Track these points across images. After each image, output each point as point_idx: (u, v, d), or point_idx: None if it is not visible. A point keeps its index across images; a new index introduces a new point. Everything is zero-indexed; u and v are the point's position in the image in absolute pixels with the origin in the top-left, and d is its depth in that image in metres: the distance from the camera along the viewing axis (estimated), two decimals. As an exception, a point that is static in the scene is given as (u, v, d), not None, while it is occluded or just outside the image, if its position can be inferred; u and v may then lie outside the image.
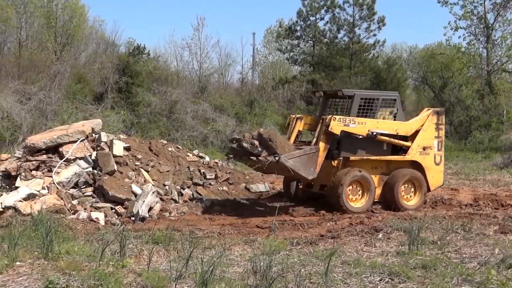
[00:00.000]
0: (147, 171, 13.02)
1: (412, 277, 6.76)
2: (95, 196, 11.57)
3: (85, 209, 10.95)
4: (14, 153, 13.44)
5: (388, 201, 12.43)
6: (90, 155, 12.45)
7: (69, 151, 12.41)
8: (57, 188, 11.46)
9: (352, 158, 12.20)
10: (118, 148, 12.79)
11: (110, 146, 12.77)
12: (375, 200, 12.35)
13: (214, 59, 56.97)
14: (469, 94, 34.56)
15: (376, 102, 12.57)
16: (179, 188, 13.11)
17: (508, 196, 13.97)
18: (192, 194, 13.05)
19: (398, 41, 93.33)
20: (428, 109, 13.35)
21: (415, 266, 7.32)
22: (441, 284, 6.54)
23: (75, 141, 12.71)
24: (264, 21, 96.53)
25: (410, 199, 12.65)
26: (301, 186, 13.36)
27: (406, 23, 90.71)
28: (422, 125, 12.85)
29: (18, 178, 11.66)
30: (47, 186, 11.50)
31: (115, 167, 12.22)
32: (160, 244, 8.34)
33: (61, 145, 12.57)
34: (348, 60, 37.61)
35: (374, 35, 37.82)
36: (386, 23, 37.39)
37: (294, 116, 13.10)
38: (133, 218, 10.77)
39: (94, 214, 10.66)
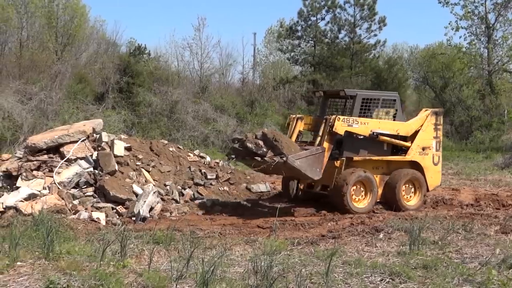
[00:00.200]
0: (148, 171, 13.02)
1: (413, 277, 6.76)
2: (96, 196, 11.57)
3: (86, 209, 10.96)
4: (15, 153, 13.45)
5: (389, 202, 12.46)
6: (91, 155, 12.46)
7: (70, 151, 12.41)
8: (58, 188, 11.46)
9: (355, 158, 12.22)
10: (119, 148, 12.80)
11: (111, 146, 12.77)
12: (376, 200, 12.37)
13: (215, 59, 56.99)
14: (470, 94, 34.55)
15: (376, 102, 12.59)
16: (180, 188, 13.12)
17: (509, 196, 13.97)
18: (193, 194, 13.05)
19: (399, 41, 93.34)
20: (426, 110, 13.40)
21: (416, 266, 7.31)
22: (442, 284, 6.54)
23: (76, 141, 12.72)
24: (265, 21, 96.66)
25: (410, 199, 12.69)
26: (301, 187, 13.29)
27: (407, 23, 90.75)
28: (421, 126, 12.90)
29: (19, 178, 11.66)
30: (48, 186, 11.51)
31: (116, 167, 12.22)
32: (161, 244, 8.35)
33: (62, 145, 12.57)
34: (349, 60, 37.60)
35: (375, 35, 37.86)
36: (387, 23, 37.42)
37: (294, 116, 13.09)
38: (134, 218, 10.77)
39: (95, 214, 10.66)
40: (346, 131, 11.79)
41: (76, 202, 11.23)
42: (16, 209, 10.53)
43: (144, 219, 10.76)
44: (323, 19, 38.56)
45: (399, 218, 10.92)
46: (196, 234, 9.40)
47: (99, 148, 12.74)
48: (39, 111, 23.02)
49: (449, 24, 36.70)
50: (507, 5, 35.09)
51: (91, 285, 6.13)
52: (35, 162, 12.12)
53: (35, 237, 8.09)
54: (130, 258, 7.38)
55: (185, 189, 13.16)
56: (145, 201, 11.04)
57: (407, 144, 12.76)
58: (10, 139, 20.75)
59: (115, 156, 12.51)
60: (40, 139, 12.77)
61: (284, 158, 10.79)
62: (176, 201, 12.49)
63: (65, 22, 33.85)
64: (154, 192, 11.57)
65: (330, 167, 11.81)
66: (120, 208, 11.28)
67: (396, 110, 12.85)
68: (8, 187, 11.77)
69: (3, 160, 13.33)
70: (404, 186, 12.50)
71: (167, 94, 28.39)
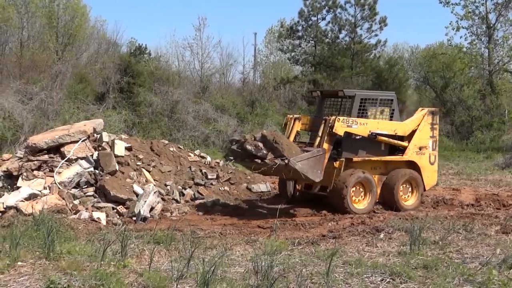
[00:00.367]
0: (149, 171, 13.02)
1: (414, 277, 6.76)
2: (97, 196, 11.58)
3: (86, 209, 10.96)
4: (16, 153, 13.46)
5: (387, 202, 12.46)
6: (92, 155, 12.47)
7: (70, 151, 12.42)
8: (59, 188, 11.47)
9: (355, 159, 12.20)
10: (120, 148, 12.80)
11: (112, 146, 12.78)
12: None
13: (215, 59, 57.01)
14: (470, 94, 34.54)
15: (374, 102, 12.58)
16: (181, 188, 13.12)
17: (509, 196, 13.97)
18: (194, 194, 13.06)
19: (399, 41, 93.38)
20: (423, 109, 13.42)
21: (416, 266, 7.31)
22: (442, 284, 6.54)
23: (77, 141, 12.72)
24: (266, 21, 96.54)
25: (408, 199, 12.69)
26: (298, 187, 13.19)
27: (408, 23, 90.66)
28: (418, 125, 12.91)
29: (20, 178, 11.67)
30: (48, 186, 11.51)
31: (117, 167, 12.22)
32: (161, 244, 8.35)
33: (62, 145, 12.58)
34: (350, 60, 37.57)
35: (376, 35, 37.80)
36: (388, 23, 37.37)
37: (291, 116, 13.04)
38: (134, 218, 10.78)
39: (96, 214, 10.67)
40: (345, 132, 11.76)
41: (76, 202, 11.23)
42: (16, 209, 10.54)
43: (144, 219, 10.76)
44: (323, 19, 38.55)
45: (400, 218, 10.93)
46: (196, 234, 9.40)
47: (100, 148, 12.74)
48: (40, 111, 23.03)
49: (449, 24, 36.67)
50: (507, 5, 35.07)
51: (91, 285, 6.13)
52: (35, 162, 12.13)
53: (35, 237, 8.09)
54: (131, 258, 7.38)
55: (185, 189, 13.16)
56: (145, 201, 11.04)
57: (405, 144, 12.76)
58: (11, 139, 20.77)
59: (116, 156, 12.52)
60: (41, 139, 12.78)
61: (286, 161, 10.67)
62: (177, 201, 12.50)
63: (65, 22, 33.82)
64: (154, 192, 11.57)
65: (328, 168, 11.74)
66: (120, 208, 11.28)
67: (393, 109, 12.83)
68: (9, 187, 11.78)
69: (4, 160, 13.33)
70: (401, 186, 12.51)
71: (167, 94, 28.39)
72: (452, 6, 35.49)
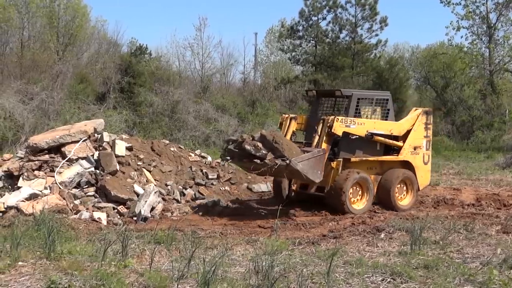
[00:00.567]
0: (149, 171, 13.03)
1: (414, 277, 6.76)
2: (97, 196, 11.59)
3: (87, 209, 10.97)
4: (17, 153, 13.47)
5: (383, 202, 12.43)
6: (92, 155, 12.48)
7: (71, 151, 12.43)
8: (59, 188, 11.48)
9: (353, 159, 12.17)
10: (120, 148, 12.81)
11: (112, 146, 12.79)
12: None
13: (216, 59, 57.10)
14: (471, 94, 34.52)
15: (370, 102, 12.56)
16: (181, 188, 13.12)
17: (510, 196, 13.95)
18: (194, 194, 13.06)
19: (400, 41, 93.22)
20: (416, 109, 13.42)
21: (417, 266, 7.31)
22: (443, 284, 6.54)
23: (78, 141, 12.73)
24: (266, 21, 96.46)
25: (403, 199, 12.68)
26: (293, 187, 13.02)
27: (408, 23, 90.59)
28: (412, 125, 12.90)
29: (21, 178, 11.68)
30: (49, 186, 11.52)
31: (117, 167, 12.23)
32: (162, 244, 8.35)
33: (63, 145, 12.59)
34: (350, 60, 37.52)
35: (376, 35, 37.72)
36: (388, 23, 37.31)
37: (287, 115, 12.91)
38: (135, 218, 10.78)
39: (96, 214, 10.67)
40: (343, 132, 11.70)
41: (77, 202, 11.24)
42: (17, 209, 10.54)
43: (145, 219, 10.77)
44: (324, 19, 38.49)
45: (400, 218, 10.93)
46: (197, 234, 9.40)
47: (101, 148, 12.75)
48: (41, 111, 23.04)
49: (450, 24, 36.64)
50: (508, 5, 35.03)
51: (92, 285, 6.13)
52: (36, 162, 12.13)
53: (36, 237, 8.10)
54: (132, 258, 7.38)
55: (186, 189, 13.17)
56: (146, 201, 11.04)
57: (399, 144, 12.76)
58: (12, 139, 20.78)
59: (117, 156, 12.52)
60: (42, 139, 12.78)
61: (287, 161, 10.54)
62: (177, 201, 12.50)
63: (66, 22, 33.81)
64: (155, 192, 11.58)
65: (325, 169, 11.60)
66: (121, 208, 11.29)
67: (388, 109, 12.80)
68: (10, 187, 11.79)
69: (5, 160, 13.34)
70: (397, 186, 12.49)
71: (168, 94, 28.41)
72: (452, 6, 35.48)
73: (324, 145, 11.47)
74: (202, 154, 15.67)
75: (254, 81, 43.52)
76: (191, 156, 14.83)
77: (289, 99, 39.30)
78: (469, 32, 36.16)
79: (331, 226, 10.55)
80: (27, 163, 12.07)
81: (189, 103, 28.55)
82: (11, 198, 10.90)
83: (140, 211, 10.76)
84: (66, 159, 12.24)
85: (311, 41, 39.63)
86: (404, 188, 12.73)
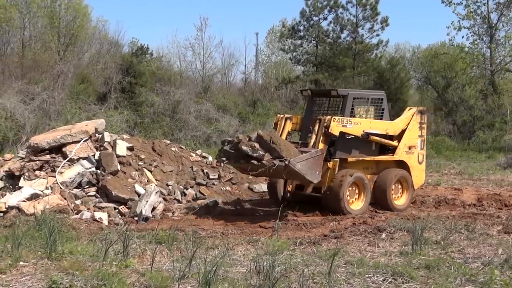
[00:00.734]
0: (150, 171, 13.03)
1: (415, 277, 6.76)
2: (98, 196, 11.59)
3: (88, 209, 10.98)
4: (18, 153, 13.48)
5: (379, 202, 12.37)
6: (94, 155, 12.48)
7: (72, 151, 12.44)
8: (61, 188, 11.49)
9: (349, 159, 12.08)
10: (121, 148, 12.82)
11: (114, 146, 12.79)
12: None
13: (217, 59, 56.82)
14: (472, 94, 34.46)
15: (365, 102, 12.52)
16: (182, 188, 13.13)
17: (511, 196, 13.94)
18: (195, 194, 13.06)
19: (401, 41, 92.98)
20: (411, 108, 13.39)
21: (418, 266, 7.31)
22: (444, 284, 6.54)
23: (79, 141, 12.74)
24: (267, 21, 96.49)
25: (398, 199, 12.63)
26: (289, 188, 12.75)
27: (410, 23, 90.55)
28: (407, 125, 12.87)
29: (22, 178, 11.69)
30: (50, 186, 11.53)
31: (118, 167, 12.24)
32: (163, 244, 8.35)
33: (64, 145, 12.60)
34: (351, 60, 37.49)
35: (377, 35, 37.65)
36: (390, 23, 37.26)
37: (282, 115, 12.74)
38: (136, 218, 10.79)
39: (97, 214, 10.68)
40: (340, 132, 11.61)
41: (78, 202, 11.25)
42: (18, 209, 10.56)
43: (146, 219, 10.77)
44: (325, 19, 38.42)
45: (402, 218, 10.92)
46: (198, 234, 9.41)
47: (102, 148, 12.76)
48: (42, 111, 23.03)
49: (451, 23, 36.55)
50: (509, 5, 34.97)
51: (93, 285, 6.14)
52: (37, 162, 12.14)
53: (37, 237, 8.11)
54: (133, 258, 7.39)
55: (187, 189, 13.17)
56: (147, 201, 11.04)
57: (395, 143, 12.72)
58: (13, 139, 20.78)
59: (118, 156, 12.53)
60: (43, 139, 12.79)
61: (286, 162, 10.39)
62: (178, 201, 12.51)
63: (67, 22, 33.78)
64: (156, 192, 11.58)
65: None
66: (122, 208, 11.29)
67: (383, 109, 12.74)
68: (11, 187, 11.80)
69: (6, 160, 13.36)
70: (393, 186, 12.44)
71: (169, 94, 28.41)
72: (453, 6, 35.43)
73: (321, 145, 11.36)
74: (203, 154, 15.67)
75: (255, 81, 43.54)
76: (192, 156, 14.83)
77: (290, 99, 39.28)
78: (470, 32, 36.13)
79: (332, 226, 10.55)
80: (28, 163, 12.07)
81: (190, 103, 28.54)
82: (12, 198, 10.91)
83: (141, 211, 10.77)
84: (67, 159, 12.25)
85: (312, 41, 39.60)
86: (400, 188, 12.69)
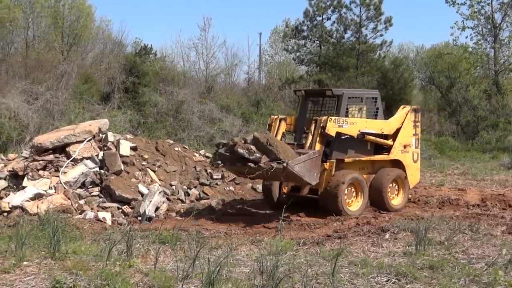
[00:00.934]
0: (154, 171, 13.04)
1: (419, 277, 6.75)
2: (102, 196, 11.60)
3: (92, 209, 10.99)
4: (21, 153, 13.50)
5: (375, 202, 12.28)
6: (97, 155, 12.49)
7: (76, 151, 12.45)
8: (64, 188, 11.50)
9: (346, 160, 11.96)
10: (125, 148, 12.82)
11: (117, 146, 12.80)
12: None
13: (220, 59, 56.92)
14: (476, 94, 34.43)
15: (360, 101, 12.47)
16: (186, 188, 13.13)
17: (515, 197, 13.91)
18: (199, 194, 13.06)
19: (405, 41, 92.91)
20: (405, 107, 13.30)
21: (422, 266, 7.30)
22: (448, 284, 6.52)
23: (82, 141, 12.75)
24: (271, 21, 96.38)
25: (395, 198, 12.57)
26: (284, 190, 12.54)
27: (413, 23, 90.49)
28: (402, 123, 12.82)
29: (25, 178, 11.70)
30: (54, 186, 11.54)
31: (122, 167, 12.25)
32: (166, 244, 8.36)
33: (68, 145, 12.61)
34: (355, 60, 37.46)
35: (381, 35, 37.65)
36: (393, 23, 37.24)
37: (276, 116, 12.59)
38: (139, 218, 10.79)
39: (101, 214, 10.69)
40: (337, 132, 11.49)
41: (82, 202, 11.26)
42: (22, 208, 10.57)
43: (150, 219, 10.78)
44: (329, 19, 38.43)
45: (405, 219, 10.90)
46: (202, 234, 9.41)
47: (105, 148, 12.76)
48: (45, 111, 23.06)
49: (455, 24, 36.51)
50: (513, 5, 34.95)
51: (97, 285, 6.14)
52: (41, 162, 12.16)
53: (41, 237, 8.12)
54: (136, 258, 7.39)
55: (190, 189, 13.17)
56: (150, 201, 11.05)
57: (390, 142, 12.66)
58: (16, 139, 20.80)
59: (121, 156, 12.53)
60: (46, 139, 12.81)
61: (284, 164, 10.21)
62: (182, 201, 12.51)
63: (71, 22, 33.83)
64: (159, 192, 11.58)
65: None
66: (126, 208, 11.30)
67: (377, 108, 12.66)
68: (15, 186, 11.81)
69: (10, 160, 13.38)
70: (389, 186, 12.37)
71: (172, 94, 28.42)
72: (457, 6, 35.40)
73: (318, 146, 11.24)
74: (207, 154, 15.64)
75: (258, 81, 43.53)
76: (195, 156, 14.83)
77: (294, 99, 39.23)
78: (474, 32, 36.11)
79: (336, 227, 10.53)
80: (32, 163, 12.09)
81: (193, 103, 28.54)
82: (16, 198, 10.92)
83: (144, 211, 10.77)
84: (71, 159, 12.26)
85: (315, 41, 39.60)
86: (396, 187, 12.62)
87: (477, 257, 7.94)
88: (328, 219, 11.14)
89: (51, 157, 12.38)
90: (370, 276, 6.84)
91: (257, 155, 10.50)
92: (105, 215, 10.67)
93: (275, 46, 52.31)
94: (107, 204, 11.32)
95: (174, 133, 26.45)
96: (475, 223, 10.28)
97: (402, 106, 13.49)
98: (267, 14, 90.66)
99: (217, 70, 42.01)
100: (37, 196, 11.00)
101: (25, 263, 7.03)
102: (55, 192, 11.33)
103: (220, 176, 13.99)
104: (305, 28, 38.80)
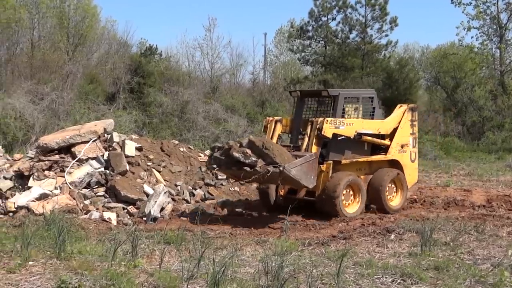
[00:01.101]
0: (159, 171, 13.05)
1: (425, 278, 6.73)
2: (107, 196, 11.62)
3: (97, 209, 11.00)
4: (27, 153, 13.53)
5: (373, 203, 12.15)
6: (102, 155, 12.51)
7: (81, 151, 12.47)
8: (70, 188, 11.52)
9: (343, 161, 11.79)
10: (130, 148, 12.84)
11: (122, 146, 12.82)
12: None
13: (225, 59, 57.14)
14: (482, 94, 34.35)
15: (356, 101, 12.37)
16: (191, 188, 13.14)
17: (521, 197, 13.86)
18: (204, 195, 13.06)
19: (410, 41, 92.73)
20: (401, 106, 13.14)
21: (427, 267, 7.28)
22: (453, 285, 6.51)
23: (88, 141, 12.77)
24: (276, 21, 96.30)
25: (393, 199, 12.46)
26: (281, 192, 12.32)
27: (418, 23, 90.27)
28: (399, 123, 12.69)
29: (31, 178, 11.73)
30: (59, 186, 11.57)
31: (127, 167, 12.26)
32: (171, 244, 8.37)
33: (73, 145, 12.64)
34: (360, 61, 37.39)
35: (386, 35, 37.55)
36: (398, 24, 37.14)
37: (271, 118, 12.47)
38: (145, 218, 10.80)
39: (106, 214, 10.71)
40: (333, 134, 11.37)
41: (87, 202, 11.28)
42: (28, 208, 10.60)
43: (155, 219, 10.78)
44: (334, 19, 38.37)
45: (411, 219, 10.86)
46: (207, 234, 9.41)
47: (110, 148, 12.78)
48: (51, 111, 23.13)
49: (460, 24, 36.52)
50: (519, 5, 34.88)
51: (102, 285, 6.14)
52: (46, 162, 12.18)
53: (46, 237, 8.14)
54: (141, 258, 7.40)
55: (195, 189, 13.18)
56: (156, 201, 11.06)
57: (387, 142, 12.54)
58: (22, 139, 20.87)
59: (126, 156, 12.55)
60: (52, 139, 12.84)
61: (281, 168, 10.05)
62: (187, 201, 12.52)
63: (76, 23, 33.91)
64: (165, 192, 11.59)
65: None
66: (131, 208, 11.32)
67: (374, 107, 12.58)
68: (20, 187, 11.84)
69: (15, 160, 13.42)
70: (387, 186, 12.24)
71: (178, 94, 28.45)
72: (463, 6, 35.35)
73: (314, 148, 11.12)
74: (212, 154, 15.63)
75: (263, 82, 43.55)
76: (200, 156, 14.83)
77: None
78: (479, 32, 36.07)
79: (341, 227, 10.52)
80: (38, 163, 12.12)
81: (198, 104, 28.56)
82: (22, 198, 10.95)
83: (149, 211, 10.78)
84: (76, 159, 12.28)
85: (320, 42, 39.55)
86: (394, 187, 12.50)
87: (482, 258, 7.92)
88: (333, 219, 11.11)
89: (56, 157, 12.41)
90: (375, 276, 6.83)
91: (253, 158, 10.40)
92: (111, 215, 10.69)
93: (280, 46, 52.27)
94: (112, 204, 11.34)
95: (179, 133, 26.47)
96: (481, 224, 10.24)
97: (398, 105, 13.30)
98: (272, 14, 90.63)
99: (222, 70, 42.09)
100: (43, 196, 11.02)
101: (30, 263, 7.04)
102: (60, 192, 11.35)
103: (225, 177, 13.98)
104: (310, 28, 38.76)
